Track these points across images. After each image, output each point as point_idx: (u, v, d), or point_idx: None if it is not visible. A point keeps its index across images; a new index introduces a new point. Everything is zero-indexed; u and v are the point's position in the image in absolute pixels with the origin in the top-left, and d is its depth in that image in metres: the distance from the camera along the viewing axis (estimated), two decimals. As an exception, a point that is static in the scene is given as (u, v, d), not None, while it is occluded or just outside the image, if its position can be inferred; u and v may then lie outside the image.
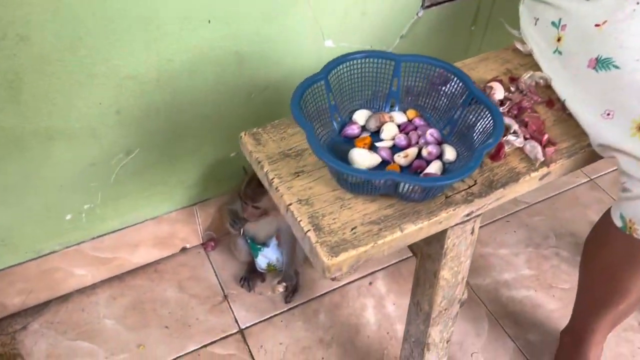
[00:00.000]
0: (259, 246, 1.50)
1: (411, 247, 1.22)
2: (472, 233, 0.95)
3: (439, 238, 0.95)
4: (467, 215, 0.89)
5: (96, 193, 1.34)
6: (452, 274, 1.00)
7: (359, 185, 0.86)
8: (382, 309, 1.53)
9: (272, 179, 0.90)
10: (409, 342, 1.18)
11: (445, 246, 0.93)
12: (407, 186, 0.83)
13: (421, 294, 1.06)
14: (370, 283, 1.59)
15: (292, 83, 1.38)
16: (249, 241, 1.52)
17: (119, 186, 1.36)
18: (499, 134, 0.84)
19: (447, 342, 1.16)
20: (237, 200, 1.42)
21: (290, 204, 0.87)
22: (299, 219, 0.85)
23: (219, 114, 1.35)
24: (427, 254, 0.99)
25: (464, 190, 0.89)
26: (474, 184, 0.90)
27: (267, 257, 1.51)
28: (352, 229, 0.83)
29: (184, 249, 1.64)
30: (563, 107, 1.03)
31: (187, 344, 1.44)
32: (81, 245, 1.44)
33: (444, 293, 1.02)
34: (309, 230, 0.83)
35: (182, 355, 1.42)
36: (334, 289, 1.57)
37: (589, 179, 1.89)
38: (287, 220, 0.88)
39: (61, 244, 1.41)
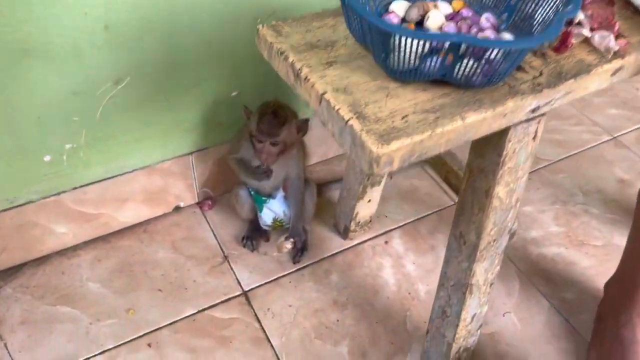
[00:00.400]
0: (264, 198, 1.34)
1: (448, 180, 1.08)
2: (534, 138, 0.81)
3: (495, 145, 0.80)
4: (534, 110, 0.74)
5: (80, 130, 1.17)
6: (507, 192, 0.85)
7: (409, 72, 0.71)
8: (401, 269, 1.37)
9: (300, 69, 0.75)
10: (445, 288, 1.02)
11: (505, 152, 0.79)
12: (469, 65, 0.68)
13: (466, 223, 0.91)
14: (386, 242, 1.43)
15: (302, 11, 1.25)
16: (252, 193, 1.35)
17: (106, 124, 1.19)
18: (578, 2, 0.70)
19: (491, 285, 1.01)
20: (242, 147, 1.25)
21: (324, 93, 0.71)
22: (336, 107, 0.69)
23: (221, 41, 1.19)
24: (478, 169, 0.84)
25: (530, 80, 0.74)
26: (540, 75, 0.75)
27: (272, 210, 1.34)
28: (403, 117, 0.68)
29: (177, 208, 1.47)
30: (626, 4, 0.90)
31: (184, 307, 1.27)
32: (61, 196, 1.26)
33: (496, 217, 0.88)
34: (350, 119, 0.67)
35: (179, 320, 1.25)
36: (346, 249, 1.41)
37: (612, 137, 1.77)
38: (321, 112, 0.72)
39: (39, 192, 1.22)
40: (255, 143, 1.19)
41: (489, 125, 0.71)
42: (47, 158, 1.17)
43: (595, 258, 1.42)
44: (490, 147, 0.80)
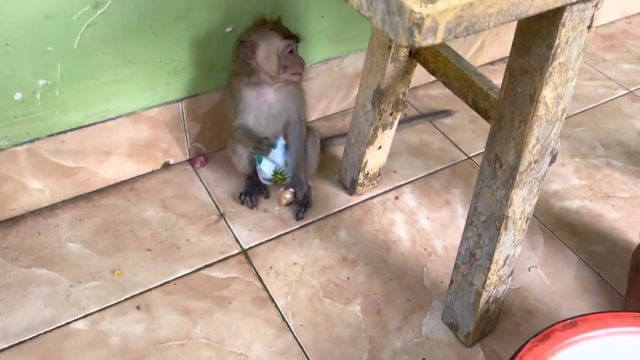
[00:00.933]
0: (263, 148, 1.21)
1: (477, 104, 0.96)
2: (589, 28, 0.69)
3: (545, 35, 0.68)
4: (593, -14, 0.63)
5: (54, 64, 1.03)
6: (553, 98, 0.73)
7: None
8: (414, 224, 1.25)
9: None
10: (474, 227, 0.90)
11: (556, 42, 0.67)
12: None
13: (504, 141, 0.79)
14: (397, 197, 1.31)
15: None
16: (250, 143, 1.22)
17: (85, 57, 1.05)
18: None
19: (527, 221, 0.89)
20: (241, 101, 1.13)
21: (348, -42, 0.59)
22: (364, -30, 0.57)
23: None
24: (521, 71, 0.73)
25: (588, -50, 0.63)
26: (598, -54, 0.64)
27: (273, 161, 1.21)
28: (446, -20, 0.56)
29: (166, 165, 1.33)
30: None
31: (177, 268, 1.14)
32: (36, 143, 1.12)
33: (540, 131, 0.76)
34: (381, -20, 0.55)
35: (171, 281, 1.11)
36: (354, 204, 1.29)
37: (628, 90, 1.67)
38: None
39: (9, 138, 1.08)
40: (286, 57, 1.07)
41: (545, -3, 0.60)
42: (17, 96, 1.04)
43: (623, 210, 1.31)
44: (538, 39, 0.69)
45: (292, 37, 1.07)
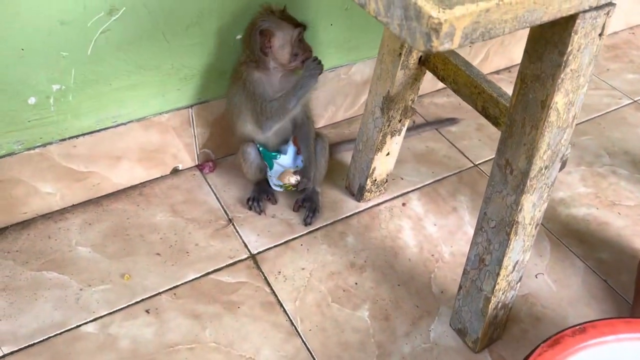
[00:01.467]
0: (273, 154, 1.22)
1: (486, 111, 0.97)
2: (600, 35, 0.70)
3: (557, 42, 0.69)
4: (605, -6, 0.64)
5: (69, 69, 1.04)
6: (565, 105, 0.74)
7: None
8: (421, 230, 1.26)
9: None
10: (484, 232, 0.91)
11: (569, 49, 0.68)
12: None
13: (515, 147, 0.80)
14: (404, 204, 1.32)
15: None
16: (260, 150, 1.23)
17: (98, 63, 1.07)
18: None
19: (536, 227, 0.90)
20: (260, 84, 1.13)
21: (365, -35, 0.60)
22: (382, -23, 0.58)
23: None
24: (533, 77, 0.74)
25: (600, -40, 0.64)
26: (610, -45, 0.65)
27: (283, 166, 1.22)
28: (463, -13, 0.57)
29: (175, 171, 1.34)
30: None
31: (186, 272, 1.14)
32: (48, 148, 1.13)
33: (551, 137, 0.77)
34: (400, -13, 0.56)
35: (180, 285, 1.12)
36: (361, 211, 1.30)
37: (632, 100, 1.68)
38: None
39: (21, 142, 1.09)
40: (297, 45, 1.11)
41: (559, 4, 0.61)
42: (31, 100, 1.05)
43: (629, 218, 1.32)
44: (550, 45, 0.70)
45: (301, 25, 1.10)
